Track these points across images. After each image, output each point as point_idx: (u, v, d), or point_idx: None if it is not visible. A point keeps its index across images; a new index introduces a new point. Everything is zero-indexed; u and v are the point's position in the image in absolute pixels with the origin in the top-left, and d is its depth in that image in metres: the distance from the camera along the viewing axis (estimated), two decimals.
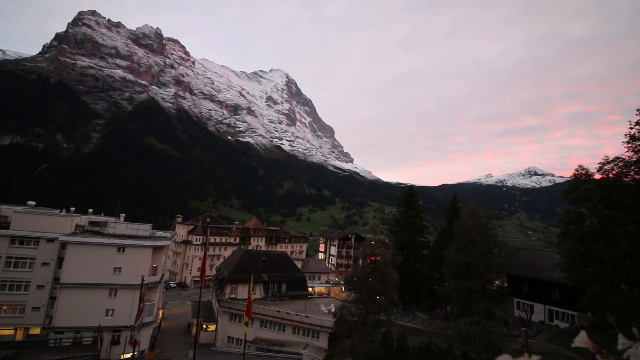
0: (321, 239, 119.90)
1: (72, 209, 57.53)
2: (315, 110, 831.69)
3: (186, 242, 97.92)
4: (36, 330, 42.36)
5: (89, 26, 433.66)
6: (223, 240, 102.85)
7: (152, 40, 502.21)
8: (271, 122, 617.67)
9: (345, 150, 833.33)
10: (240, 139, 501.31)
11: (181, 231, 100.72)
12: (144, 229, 47.14)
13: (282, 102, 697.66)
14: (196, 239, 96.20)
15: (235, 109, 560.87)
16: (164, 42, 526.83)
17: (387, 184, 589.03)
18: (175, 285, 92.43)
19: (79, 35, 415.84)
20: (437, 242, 52.94)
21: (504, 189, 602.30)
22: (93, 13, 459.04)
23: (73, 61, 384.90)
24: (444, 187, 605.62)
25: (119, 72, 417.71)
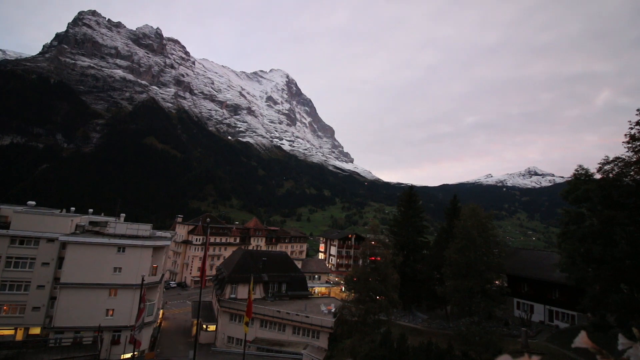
0: (321, 239, 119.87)
1: (72, 209, 57.51)
2: (315, 110, 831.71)
3: (186, 242, 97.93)
4: (36, 330, 42.35)
5: (89, 26, 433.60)
6: (223, 240, 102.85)
7: (152, 40, 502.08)
8: (271, 122, 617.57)
9: (345, 150, 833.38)
10: (240, 139, 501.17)
11: (181, 231, 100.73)
12: (144, 229, 47.15)
13: (282, 102, 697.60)
14: (196, 239, 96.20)
15: (235, 109, 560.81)
16: (164, 42, 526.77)
17: (387, 184, 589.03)
18: (175, 285, 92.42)
19: (79, 35, 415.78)
20: (437, 242, 52.98)
21: (504, 189, 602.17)
22: (93, 13, 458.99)
23: (73, 61, 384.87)
24: (444, 187, 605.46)
25: (119, 72, 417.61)
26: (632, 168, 25.25)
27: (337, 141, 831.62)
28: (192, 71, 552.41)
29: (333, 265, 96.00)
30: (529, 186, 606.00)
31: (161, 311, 55.63)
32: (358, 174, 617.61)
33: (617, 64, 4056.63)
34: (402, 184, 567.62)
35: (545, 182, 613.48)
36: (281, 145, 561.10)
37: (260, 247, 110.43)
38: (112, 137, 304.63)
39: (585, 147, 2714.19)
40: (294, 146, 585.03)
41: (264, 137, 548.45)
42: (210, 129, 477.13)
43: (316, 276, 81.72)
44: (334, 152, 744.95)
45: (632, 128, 24.83)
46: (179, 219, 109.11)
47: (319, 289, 78.53)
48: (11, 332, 41.45)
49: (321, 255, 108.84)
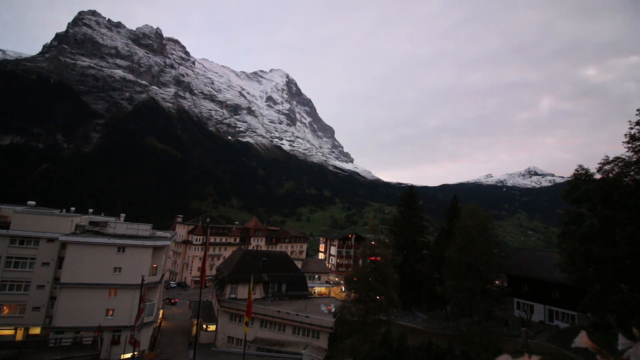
0: (321, 239, 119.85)
1: (72, 209, 57.51)
2: (315, 110, 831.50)
3: (186, 242, 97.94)
4: (36, 330, 42.37)
5: (89, 26, 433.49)
6: (223, 240, 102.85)
7: (152, 40, 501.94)
8: (271, 122, 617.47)
9: (345, 150, 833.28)
10: (240, 139, 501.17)
11: (181, 231, 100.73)
12: (144, 229, 47.13)
13: (282, 102, 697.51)
14: (196, 239, 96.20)
15: (235, 109, 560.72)
16: (164, 42, 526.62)
17: (387, 184, 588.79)
18: (175, 285, 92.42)
19: (79, 35, 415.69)
20: (437, 242, 52.99)
21: (504, 189, 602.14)
22: (93, 13, 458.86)
23: (73, 61, 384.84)
24: (444, 187, 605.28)
25: (119, 72, 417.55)
26: (632, 168, 25.25)
27: (337, 141, 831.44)
28: (192, 71, 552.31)
29: (333, 265, 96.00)
30: (529, 186, 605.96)
31: (161, 311, 55.65)
32: (358, 174, 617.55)
33: (546, 73, 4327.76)
34: (402, 184, 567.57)
35: (545, 182, 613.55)
36: (281, 145, 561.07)
37: (260, 247, 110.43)
38: (112, 137, 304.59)
39: (546, 149, 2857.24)
40: (294, 146, 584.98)
41: (264, 137, 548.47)
42: (210, 129, 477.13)
43: (316, 276, 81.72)
44: (333, 152, 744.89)
45: (632, 128, 24.82)
46: (179, 219, 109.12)
47: (319, 289, 78.53)
48: (11, 332, 41.46)
49: (321, 255, 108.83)
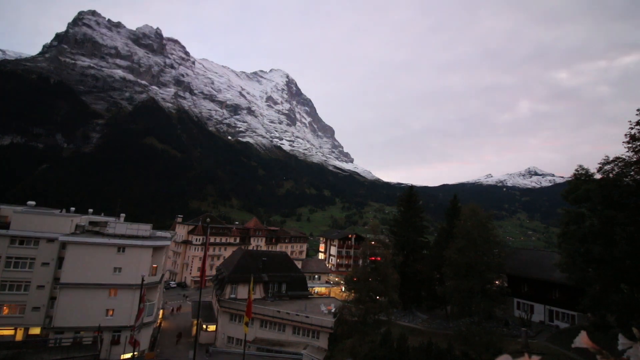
0: (321, 239, 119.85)
1: (72, 209, 57.45)
2: (315, 110, 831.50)
3: (186, 242, 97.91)
4: (36, 330, 42.33)
5: (89, 26, 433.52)
6: (223, 240, 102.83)
7: (152, 40, 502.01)
8: (271, 122, 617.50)
9: (345, 150, 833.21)
10: (240, 139, 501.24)
11: (181, 231, 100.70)
12: (144, 229, 47.08)
13: (282, 102, 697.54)
14: (196, 239, 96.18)
15: (235, 109, 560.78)
16: (164, 42, 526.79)
17: (387, 184, 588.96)
18: (175, 285, 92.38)
19: (79, 35, 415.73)
20: (437, 242, 52.97)
21: (504, 189, 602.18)
22: (93, 13, 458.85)
23: (73, 61, 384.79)
24: (444, 187, 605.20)
25: (119, 72, 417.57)
26: (633, 168, 25.23)
27: (337, 141, 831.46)
28: (192, 71, 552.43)
29: (333, 265, 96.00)
30: (529, 186, 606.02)
31: (161, 311, 55.64)
32: (358, 174, 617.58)
33: (520, 77, 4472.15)
34: (402, 184, 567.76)
35: (545, 182, 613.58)
36: (281, 145, 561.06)
37: (260, 247, 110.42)
38: (112, 137, 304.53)
39: (532, 149, 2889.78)
40: (294, 146, 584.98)
41: (264, 137, 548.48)
42: (210, 129, 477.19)
43: (316, 276, 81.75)
44: (333, 152, 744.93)
45: (632, 128, 24.81)
46: (179, 219, 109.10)
47: (319, 289, 78.56)
48: (11, 332, 41.43)
49: (321, 255, 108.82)
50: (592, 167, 28.49)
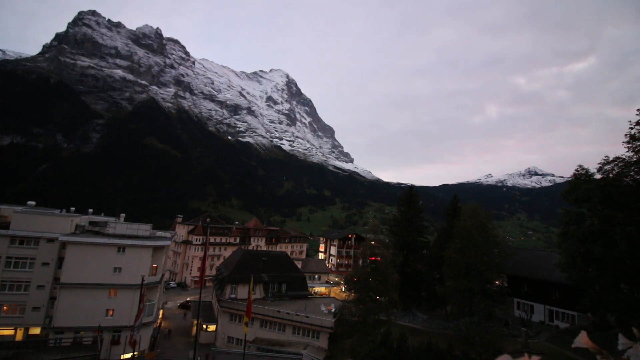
0: (321, 239, 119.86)
1: (72, 209, 57.45)
2: (315, 110, 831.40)
3: (186, 242, 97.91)
4: (36, 330, 42.35)
5: (89, 26, 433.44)
6: (223, 240, 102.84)
7: (152, 40, 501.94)
8: (271, 122, 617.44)
9: (345, 150, 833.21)
10: (240, 139, 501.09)
11: (181, 231, 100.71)
12: (144, 229, 47.10)
13: (282, 102, 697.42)
14: (196, 239, 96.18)
15: (235, 109, 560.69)
16: (164, 42, 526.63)
17: (387, 184, 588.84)
18: (175, 285, 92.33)
19: (79, 35, 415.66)
20: (437, 242, 53.02)
21: (504, 189, 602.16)
22: (93, 13, 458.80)
23: (73, 61, 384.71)
24: (444, 187, 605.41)
25: (119, 72, 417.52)
26: (632, 168, 25.26)
27: (337, 141, 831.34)
28: (192, 71, 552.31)
29: (333, 265, 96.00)
30: (529, 186, 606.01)
31: (161, 311, 55.65)
32: (358, 174, 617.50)
33: (481, 82, 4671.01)
34: (402, 184, 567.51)
35: (545, 182, 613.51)
36: (281, 145, 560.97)
37: (260, 247, 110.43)
38: (112, 137, 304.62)
39: (508, 151, 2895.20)
40: (294, 146, 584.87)
41: (264, 137, 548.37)
42: (210, 129, 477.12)
43: (316, 276, 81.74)
44: (333, 152, 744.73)
45: (632, 128, 24.84)
46: (179, 219, 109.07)
47: (319, 289, 78.56)
48: (11, 332, 41.45)
49: (321, 255, 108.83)
50: (592, 167, 28.54)
